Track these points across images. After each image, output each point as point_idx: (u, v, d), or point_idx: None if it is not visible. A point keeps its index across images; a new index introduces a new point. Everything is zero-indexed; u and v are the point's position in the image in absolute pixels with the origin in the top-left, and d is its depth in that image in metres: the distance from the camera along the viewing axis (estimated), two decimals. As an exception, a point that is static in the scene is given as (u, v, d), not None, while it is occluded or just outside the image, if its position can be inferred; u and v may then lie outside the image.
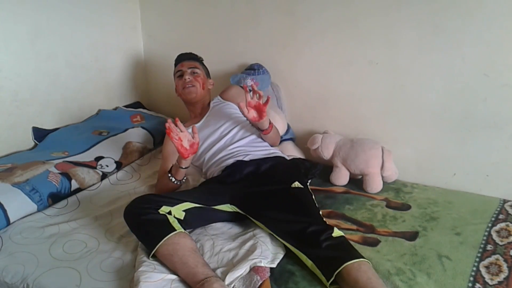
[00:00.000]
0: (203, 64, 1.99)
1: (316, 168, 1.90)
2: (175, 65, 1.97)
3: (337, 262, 1.20)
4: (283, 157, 1.82)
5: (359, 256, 1.23)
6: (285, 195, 1.53)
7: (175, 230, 1.32)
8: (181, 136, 1.58)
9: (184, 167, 1.65)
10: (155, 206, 1.38)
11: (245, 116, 1.69)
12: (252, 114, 1.68)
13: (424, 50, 1.82)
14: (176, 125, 1.58)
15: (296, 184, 1.58)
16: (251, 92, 1.68)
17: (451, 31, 1.75)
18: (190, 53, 1.98)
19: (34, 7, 1.98)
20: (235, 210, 1.53)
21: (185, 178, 1.73)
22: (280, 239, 1.38)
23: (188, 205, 1.45)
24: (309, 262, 1.28)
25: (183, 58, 1.95)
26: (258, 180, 1.61)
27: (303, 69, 2.13)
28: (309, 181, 1.83)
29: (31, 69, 2.02)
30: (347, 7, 1.93)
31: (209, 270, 1.24)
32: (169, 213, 1.39)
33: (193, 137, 1.61)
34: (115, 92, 2.49)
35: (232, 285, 1.21)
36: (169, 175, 1.68)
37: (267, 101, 1.65)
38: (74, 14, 2.16)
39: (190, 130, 1.63)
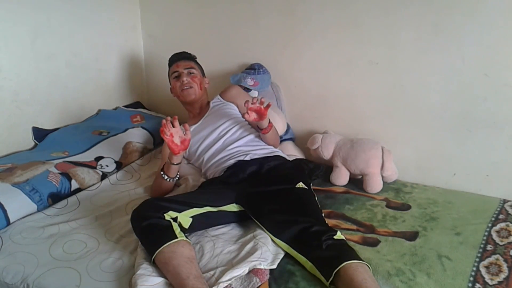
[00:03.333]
0: (197, 63, 1.98)
1: (319, 170, 1.90)
2: (170, 65, 1.96)
3: (336, 261, 1.21)
4: (284, 157, 1.82)
5: (358, 258, 1.24)
6: (290, 195, 1.53)
7: (176, 238, 1.30)
8: (173, 132, 1.59)
9: (175, 163, 1.65)
10: (162, 210, 1.37)
11: (244, 118, 1.69)
12: (253, 116, 1.68)
13: (424, 50, 1.82)
14: (172, 123, 1.59)
15: (301, 184, 1.58)
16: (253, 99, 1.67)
17: (451, 31, 1.75)
18: (184, 52, 1.97)
19: (34, 7, 1.97)
20: (240, 209, 1.53)
21: (177, 176, 1.73)
22: (281, 242, 1.38)
23: (196, 211, 1.44)
24: (308, 264, 1.28)
25: (177, 58, 1.94)
26: (262, 180, 1.61)
27: (303, 69, 2.13)
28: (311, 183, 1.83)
29: (31, 69, 2.01)
30: (347, 7, 1.93)
31: (200, 283, 1.20)
32: (175, 219, 1.38)
33: (184, 134, 1.61)
34: (115, 92, 2.49)
35: (229, 283, 1.21)
36: (162, 172, 1.69)
37: (267, 106, 1.66)
38: (74, 14, 2.16)
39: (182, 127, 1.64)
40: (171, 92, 1.97)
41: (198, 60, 2.01)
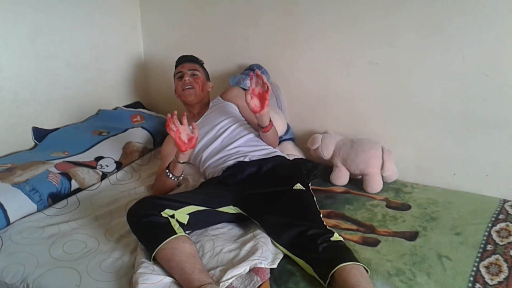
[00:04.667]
0: (203, 67, 2.00)
1: (318, 169, 1.89)
2: (176, 66, 1.97)
3: (331, 264, 1.21)
4: (284, 157, 1.81)
5: (354, 260, 1.24)
6: (287, 197, 1.53)
7: (176, 233, 1.30)
8: (180, 129, 1.58)
9: (182, 161, 1.64)
10: (159, 208, 1.37)
11: (247, 103, 1.66)
12: (255, 102, 1.67)
13: (424, 50, 1.82)
14: (180, 120, 1.58)
15: (298, 186, 1.58)
16: (255, 79, 1.66)
17: (451, 31, 1.75)
18: (191, 56, 1.99)
19: (34, 7, 1.97)
20: (238, 212, 1.53)
21: (182, 175, 1.72)
22: (279, 246, 1.38)
23: (192, 208, 1.44)
24: (306, 266, 1.29)
25: (184, 60, 1.97)
26: (260, 181, 1.61)
27: (303, 69, 2.13)
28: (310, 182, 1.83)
29: (31, 69, 2.01)
30: (347, 7, 1.93)
31: (206, 276, 1.22)
32: (172, 216, 1.38)
33: (192, 132, 1.61)
34: (115, 92, 2.49)
35: (230, 282, 1.21)
36: (167, 171, 1.68)
37: (268, 88, 1.63)
38: (74, 14, 2.16)
39: (190, 127, 1.63)
40: (175, 93, 1.97)
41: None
